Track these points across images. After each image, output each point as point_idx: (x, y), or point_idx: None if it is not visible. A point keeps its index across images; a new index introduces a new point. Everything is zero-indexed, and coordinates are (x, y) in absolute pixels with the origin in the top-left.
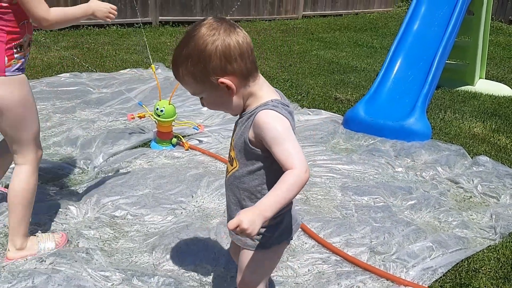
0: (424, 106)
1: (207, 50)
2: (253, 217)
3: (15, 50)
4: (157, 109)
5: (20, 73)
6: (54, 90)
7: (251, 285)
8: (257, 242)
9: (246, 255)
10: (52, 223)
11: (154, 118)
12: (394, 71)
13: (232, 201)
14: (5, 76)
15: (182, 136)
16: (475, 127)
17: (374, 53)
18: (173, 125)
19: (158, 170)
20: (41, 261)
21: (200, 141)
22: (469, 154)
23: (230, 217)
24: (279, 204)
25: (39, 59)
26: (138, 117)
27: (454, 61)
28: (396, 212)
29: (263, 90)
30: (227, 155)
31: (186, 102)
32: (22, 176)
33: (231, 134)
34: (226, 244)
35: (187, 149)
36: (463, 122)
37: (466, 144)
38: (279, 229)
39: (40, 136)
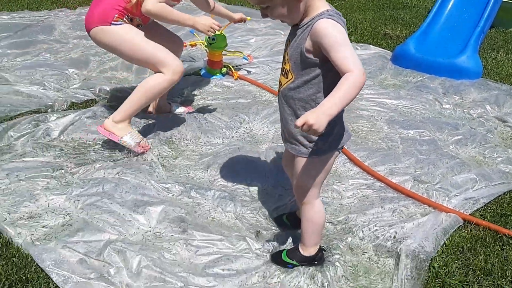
0: (476, 44)
1: None
2: (319, 114)
3: (126, 17)
4: (209, 37)
5: (124, 23)
6: None
7: (305, 189)
8: (310, 150)
9: (300, 162)
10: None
11: (205, 47)
12: (448, 8)
13: (287, 112)
14: (110, 25)
15: (232, 66)
16: None
17: None
18: (224, 55)
19: (209, 97)
20: (108, 171)
21: (249, 72)
22: None
23: (285, 129)
24: (340, 105)
25: None
26: (189, 45)
27: (510, 1)
28: (441, 146)
29: (320, 1)
30: (277, 83)
31: (234, 33)
32: (156, 77)
33: (284, 49)
34: (274, 166)
35: (236, 79)
36: None
37: None
38: (330, 137)
39: (98, 60)
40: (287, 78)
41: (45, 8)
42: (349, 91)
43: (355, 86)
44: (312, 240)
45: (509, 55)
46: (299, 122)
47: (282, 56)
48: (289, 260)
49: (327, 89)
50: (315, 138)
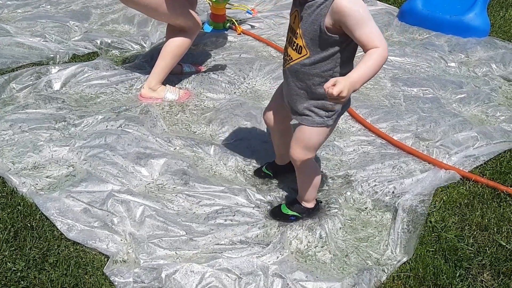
0: (485, 1)
1: None
2: (346, 84)
3: None
4: None
5: None
6: None
7: (310, 152)
8: (324, 119)
9: (309, 130)
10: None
11: (209, 0)
12: None
13: (298, 86)
14: None
15: (235, 20)
16: None
17: None
18: (227, 8)
19: (212, 52)
20: (111, 123)
21: (252, 27)
22: None
23: (293, 105)
24: (365, 79)
25: None
26: None
27: None
28: (444, 104)
29: None
30: (287, 42)
31: None
32: (179, 37)
33: (291, 21)
34: None
35: (239, 34)
36: None
37: None
38: (342, 105)
39: (99, 12)
40: (300, 53)
41: None
42: (374, 68)
43: (380, 63)
44: (312, 195)
45: None
46: (329, 83)
47: (287, 11)
48: (290, 212)
49: (344, 63)
50: (331, 108)
